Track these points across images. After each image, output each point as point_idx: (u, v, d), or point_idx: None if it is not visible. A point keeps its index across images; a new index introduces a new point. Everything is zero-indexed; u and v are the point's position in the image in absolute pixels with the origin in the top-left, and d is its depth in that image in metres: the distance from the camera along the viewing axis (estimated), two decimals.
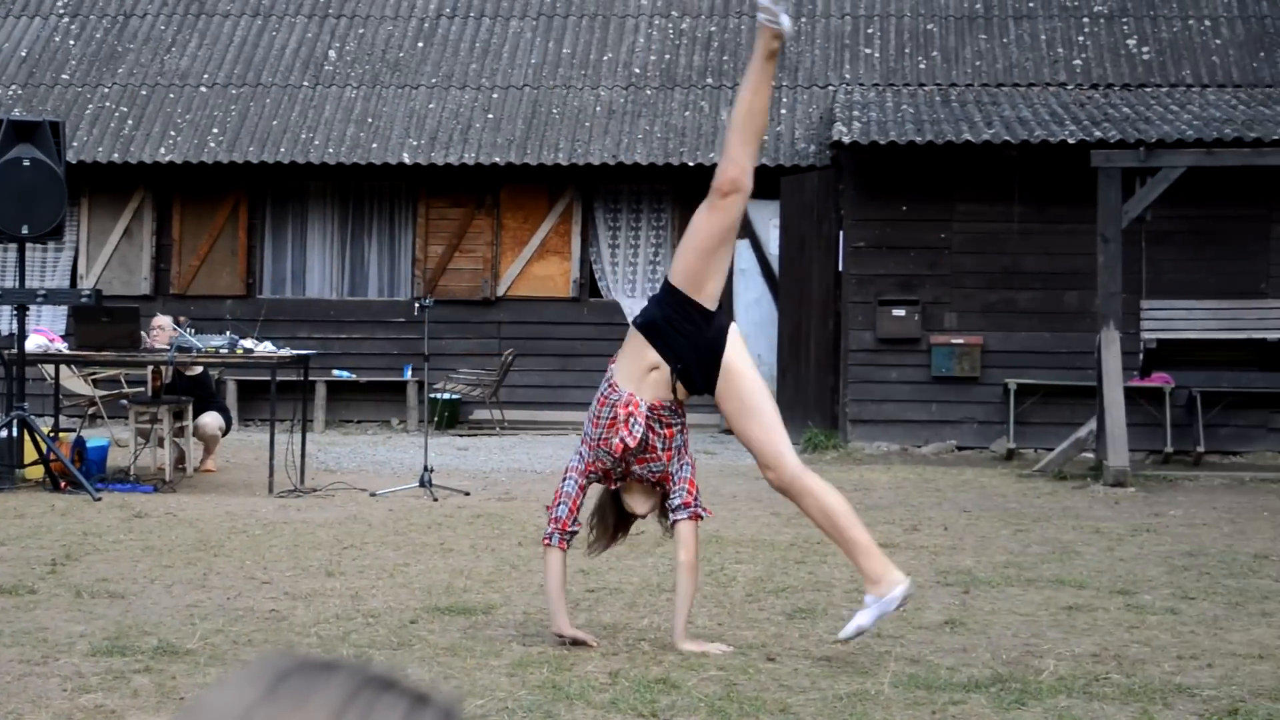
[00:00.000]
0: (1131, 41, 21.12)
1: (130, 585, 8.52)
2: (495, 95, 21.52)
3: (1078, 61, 20.93)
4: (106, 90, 21.79)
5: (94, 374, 18.10)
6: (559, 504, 7.10)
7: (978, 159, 18.08)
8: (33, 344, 14.05)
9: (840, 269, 18.63)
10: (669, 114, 21.07)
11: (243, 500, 12.77)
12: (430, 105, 21.39)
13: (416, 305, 14.14)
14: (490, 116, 21.18)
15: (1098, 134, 17.67)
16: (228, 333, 14.26)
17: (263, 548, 10.04)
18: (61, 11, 22.88)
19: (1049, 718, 5.80)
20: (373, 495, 13.12)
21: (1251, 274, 18.12)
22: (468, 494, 13.31)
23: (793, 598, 8.35)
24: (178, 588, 8.48)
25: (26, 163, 12.96)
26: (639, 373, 7.02)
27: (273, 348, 14.30)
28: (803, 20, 22.05)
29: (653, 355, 6.98)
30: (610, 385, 7.04)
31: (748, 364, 7.11)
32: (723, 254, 7.18)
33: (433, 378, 19.58)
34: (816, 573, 9.23)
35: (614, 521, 7.29)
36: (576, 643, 6.93)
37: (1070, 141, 17.58)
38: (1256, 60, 20.73)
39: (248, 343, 14.01)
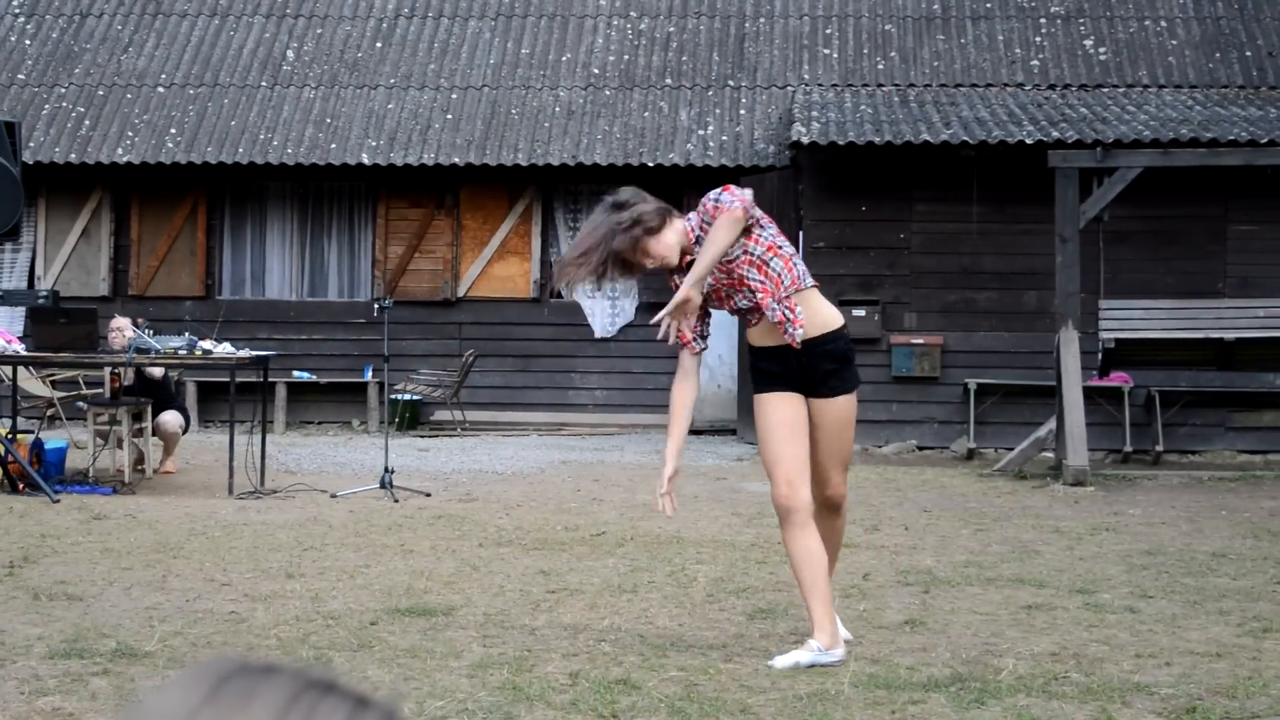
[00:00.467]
0: (1088, 42, 21.21)
1: (89, 587, 8.48)
2: (454, 95, 21.49)
3: (1035, 62, 21.01)
4: (63, 90, 21.68)
5: (52, 375, 18.00)
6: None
7: (936, 159, 18.14)
8: None
9: None
10: (628, 114, 21.07)
11: (202, 502, 12.73)
12: (389, 105, 21.35)
13: (376, 306, 14.13)
14: (449, 117, 21.15)
15: (1055, 134, 17.74)
16: (186, 334, 14.20)
17: (222, 549, 10.00)
18: (17, 11, 22.76)
19: (1008, 717, 5.82)
20: (333, 497, 13.09)
21: (1209, 274, 18.22)
22: (428, 495, 13.28)
23: (754, 598, 8.36)
24: (137, 590, 8.45)
25: None
26: None
27: (232, 349, 14.25)
28: (761, 21, 22.09)
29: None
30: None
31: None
32: None
33: (393, 379, 19.53)
34: (777, 573, 9.24)
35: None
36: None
37: (1028, 142, 17.65)
38: (1212, 61, 20.84)
39: (206, 344, 13.96)
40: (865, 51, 21.48)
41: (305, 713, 1.28)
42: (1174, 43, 21.11)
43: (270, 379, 16.72)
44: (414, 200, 21.22)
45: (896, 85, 20.85)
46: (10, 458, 12.97)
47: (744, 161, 20.13)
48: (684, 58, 21.82)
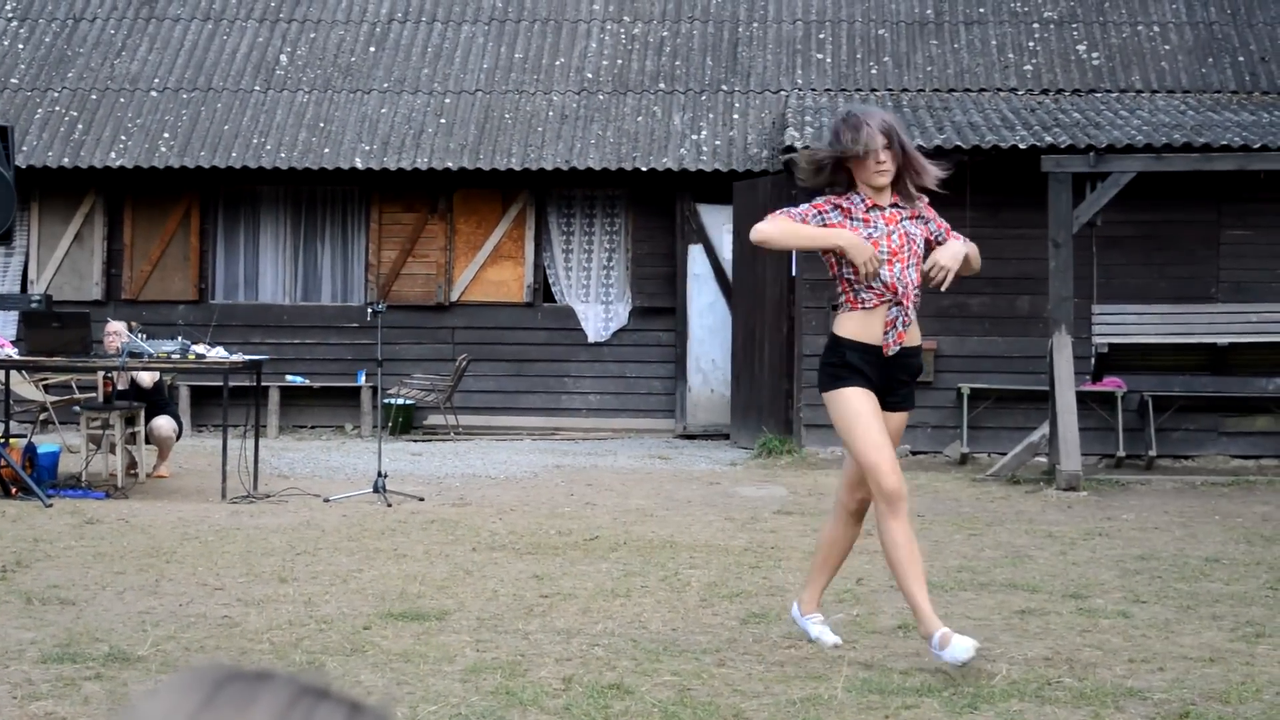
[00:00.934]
0: (1081, 47, 21.23)
1: (81, 592, 8.47)
2: (447, 100, 21.48)
3: (1028, 67, 21.03)
4: (56, 94, 21.67)
5: (45, 379, 17.98)
6: None
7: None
8: None
9: (794, 274, 18.67)
10: (621, 119, 21.07)
11: (195, 506, 12.72)
12: (382, 110, 21.34)
13: (369, 310, 14.12)
14: (443, 121, 21.15)
15: (1048, 139, 17.75)
16: (179, 338, 14.19)
17: (215, 554, 9.99)
18: (10, 15, 22.75)
19: None
20: (326, 501, 13.08)
21: (1202, 278, 18.23)
22: (422, 499, 13.28)
23: (747, 603, 8.35)
24: (129, 594, 8.44)
25: None
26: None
27: (225, 353, 14.25)
28: (755, 25, 22.10)
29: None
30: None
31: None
32: None
33: (386, 383, 19.54)
34: (770, 578, 9.25)
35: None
36: None
37: (1021, 146, 17.65)
38: (1205, 66, 20.86)
39: (200, 348, 13.96)
40: (858, 56, 21.50)
41: (302, 718, 1.27)
42: (1167, 48, 21.13)
43: (263, 383, 16.72)
44: (407, 204, 21.22)
45: (890, 90, 20.86)
46: (3, 462, 12.96)
47: (737, 166, 20.13)
48: (677, 62, 21.82)
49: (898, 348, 6.88)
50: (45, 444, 14.50)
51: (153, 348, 13.69)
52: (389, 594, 8.48)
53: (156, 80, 21.85)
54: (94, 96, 21.64)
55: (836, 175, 6.88)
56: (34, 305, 14.51)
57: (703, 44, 22.05)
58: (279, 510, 12.48)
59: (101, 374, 14.33)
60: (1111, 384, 17.60)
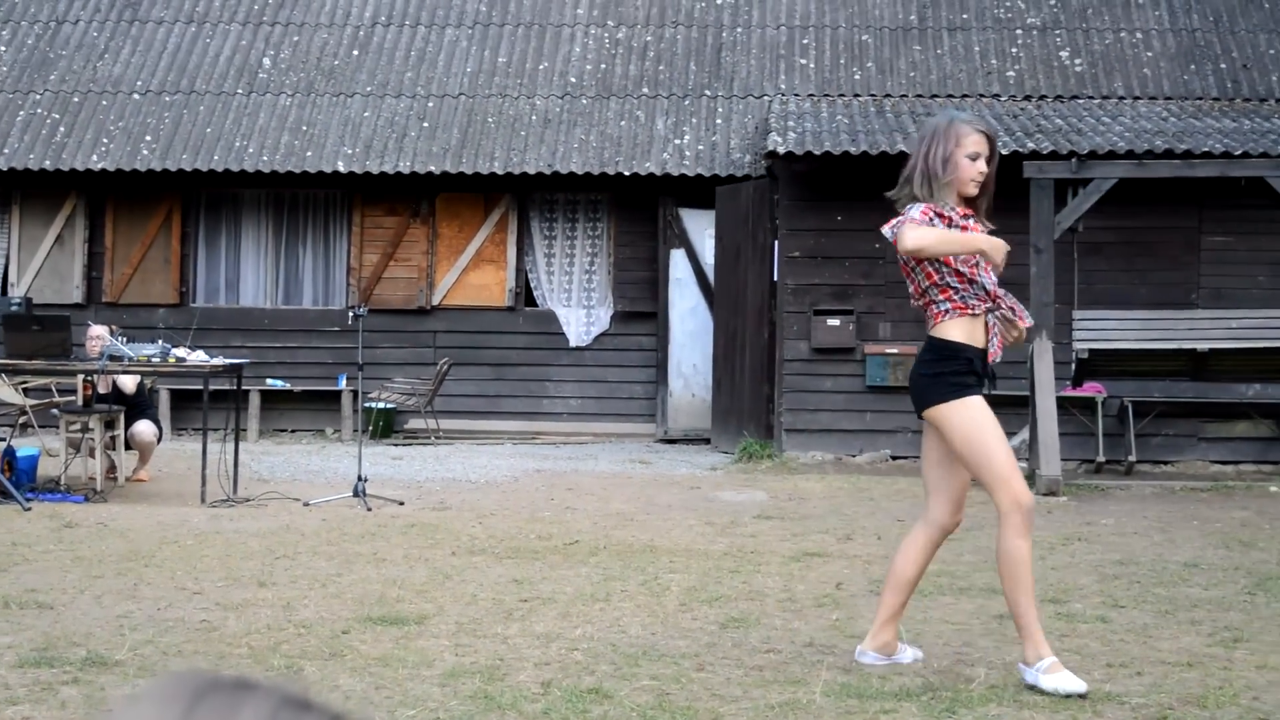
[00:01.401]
0: (1064, 54, 21.28)
1: (59, 596, 8.45)
2: (430, 104, 21.47)
3: (1011, 73, 21.06)
4: (38, 97, 21.62)
5: (24, 383, 17.92)
6: None
7: None
8: None
9: (775, 278, 18.68)
10: (605, 123, 21.08)
11: (174, 510, 12.69)
12: (365, 113, 21.32)
13: (351, 314, 14.10)
14: (425, 125, 21.14)
15: (1030, 145, 17.78)
16: (160, 341, 14.16)
17: (194, 558, 9.97)
18: None
19: None
20: (306, 505, 13.06)
21: (1183, 285, 18.28)
22: (402, 504, 13.27)
23: (726, 607, 8.35)
24: (108, 598, 8.42)
25: None
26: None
27: (206, 357, 14.21)
28: (738, 30, 22.12)
29: None
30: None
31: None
32: None
33: (367, 387, 19.54)
34: (750, 582, 9.25)
35: None
36: None
37: (1003, 152, 17.64)
38: (1187, 73, 20.92)
39: (180, 351, 13.93)
40: (842, 62, 21.52)
41: None
42: (1149, 54, 21.18)
43: (244, 387, 16.70)
44: (389, 208, 21.21)
45: (873, 95, 20.89)
46: None
47: (720, 171, 20.14)
48: (661, 67, 21.84)
49: (999, 356, 6.76)
50: (24, 447, 14.45)
51: (133, 351, 13.66)
52: (368, 598, 8.47)
53: (139, 83, 21.81)
54: (76, 99, 21.60)
55: (923, 185, 6.66)
56: (14, 308, 14.50)
57: (686, 48, 22.06)
58: (258, 514, 12.46)
59: (81, 377, 14.29)
60: (1092, 389, 17.64)
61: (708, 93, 21.45)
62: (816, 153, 17.86)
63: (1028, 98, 20.66)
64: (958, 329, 6.59)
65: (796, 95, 21.04)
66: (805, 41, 21.86)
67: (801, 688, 6.42)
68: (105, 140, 20.94)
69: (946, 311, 6.59)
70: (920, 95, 20.80)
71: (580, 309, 21.18)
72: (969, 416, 6.51)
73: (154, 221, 21.23)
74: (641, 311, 21.02)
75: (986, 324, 6.68)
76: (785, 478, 16.32)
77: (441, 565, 9.77)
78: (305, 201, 21.54)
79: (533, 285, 21.30)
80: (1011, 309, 6.72)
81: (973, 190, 6.63)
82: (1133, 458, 17.43)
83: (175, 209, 21.28)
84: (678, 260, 20.69)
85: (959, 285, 6.59)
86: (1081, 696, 6.18)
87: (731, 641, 7.42)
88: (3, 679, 6.42)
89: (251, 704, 1.28)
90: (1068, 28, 21.57)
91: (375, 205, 21.21)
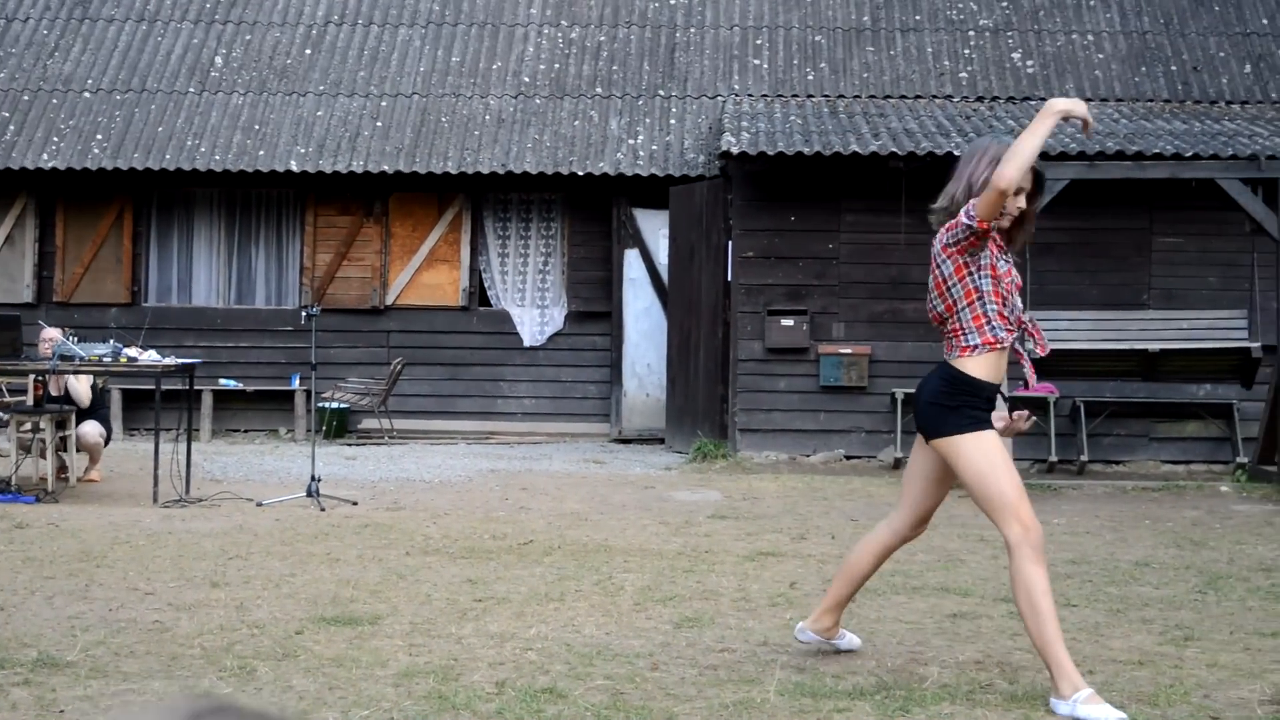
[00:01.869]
0: (1016, 55, 21.37)
1: (10, 597, 8.40)
2: (384, 103, 21.43)
3: (963, 74, 21.15)
4: None
5: None
6: None
7: (865, 170, 18.22)
8: None
9: (729, 279, 18.71)
10: (558, 123, 21.07)
11: (126, 511, 12.63)
12: (318, 113, 21.26)
13: (304, 314, 14.02)
14: (379, 124, 21.09)
15: None
16: (112, 341, 14.09)
17: (146, 558, 9.93)
18: None
19: None
20: (259, 505, 13.02)
21: (1134, 285, 18.38)
22: (355, 504, 13.24)
23: (680, 606, 8.36)
24: (59, 599, 8.37)
25: None
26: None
27: (158, 356, 14.15)
28: (692, 31, 22.15)
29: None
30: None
31: None
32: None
33: (321, 387, 19.47)
34: (704, 582, 9.26)
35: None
36: None
37: (956, 153, 17.66)
38: (1138, 75, 21.04)
39: (132, 351, 13.86)
40: (795, 62, 21.57)
41: None
42: (1100, 56, 21.29)
43: (196, 387, 16.64)
44: (343, 207, 21.15)
45: (826, 96, 20.95)
46: None
47: (674, 171, 20.15)
48: (614, 67, 21.84)
49: (1034, 380, 6.78)
50: None
51: (84, 351, 13.59)
52: (321, 598, 8.45)
53: (90, 81, 21.70)
54: (26, 97, 21.47)
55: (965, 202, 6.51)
56: None
57: (640, 48, 22.07)
58: (211, 514, 12.42)
59: (32, 377, 14.20)
60: (1044, 389, 17.71)
61: (661, 93, 21.46)
62: (770, 153, 17.88)
63: (980, 99, 20.74)
64: (982, 366, 6.52)
65: (750, 95, 21.08)
66: (759, 42, 21.90)
67: (756, 687, 6.43)
68: (56, 139, 20.83)
69: (975, 348, 6.50)
70: (873, 96, 20.87)
71: (534, 309, 21.17)
72: (982, 451, 6.45)
73: (105, 221, 21.12)
74: (595, 311, 21.02)
75: (1016, 351, 6.64)
76: (739, 477, 16.35)
77: (395, 565, 9.75)
78: (258, 201, 21.46)
79: (486, 285, 21.27)
80: (1034, 335, 6.70)
81: (1005, 223, 6.56)
82: (1085, 457, 17.52)
83: (127, 208, 21.18)
84: (632, 260, 20.70)
85: (995, 310, 6.49)
86: None
87: (686, 641, 7.42)
88: None
89: None
90: (1020, 29, 21.67)
91: (328, 205, 21.15)
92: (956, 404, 6.47)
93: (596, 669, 6.74)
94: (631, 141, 20.69)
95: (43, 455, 14.25)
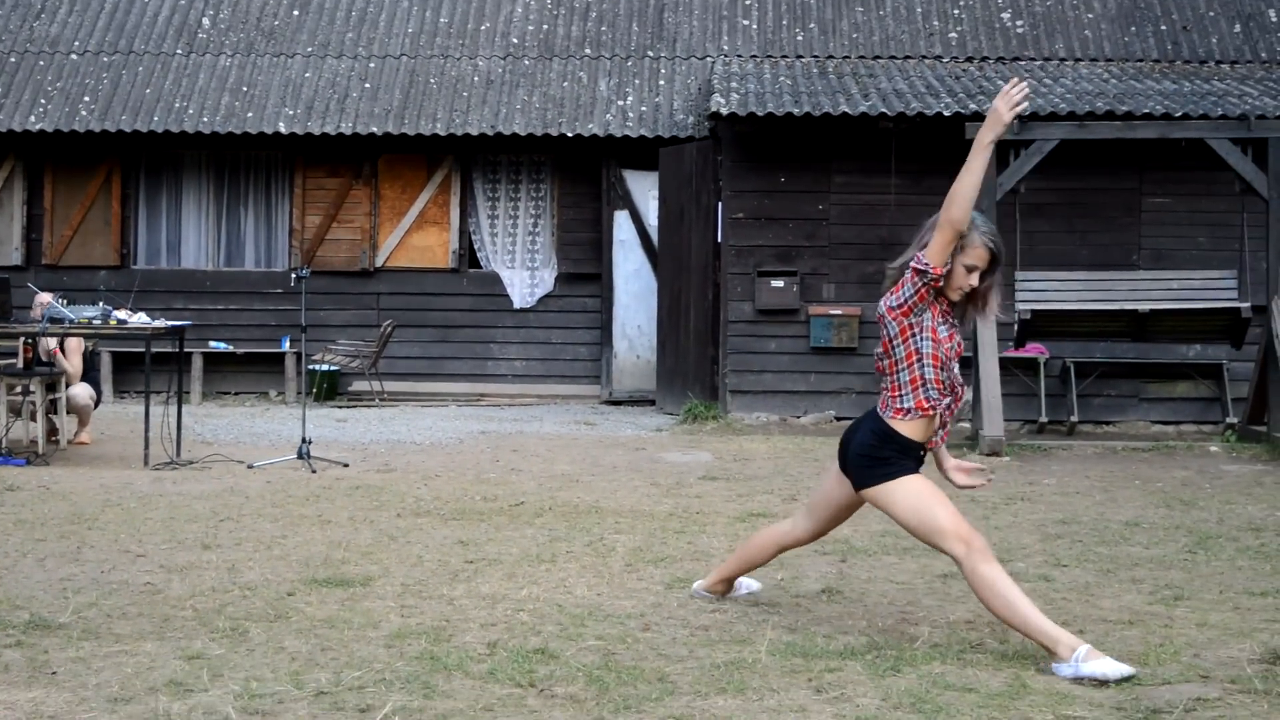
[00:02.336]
0: (1006, 15, 21.33)
1: (1, 559, 8.41)
2: (372, 64, 21.36)
3: (953, 35, 21.10)
4: None
5: None
6: None
7: (855, 131, 18.20)
8: None
9: (719, 240, 18.70)
10: (547, 84, 21.02)
11: (117, 473, 12.63)
12: (306, 74, 21.20)
13: (294, 276, 14.02)
14: (367, 86, 21.03)
15: (973, 106, 17.81)
16: (101, 304, 14.06)
17: (138, 521, 9.93)
18: None
19: (924, 684, 5.86)
20: (250, 467, 13.02)
21: (1123, 246, 18.38)
22: (346, 466, 13.24)
23: (671, 567, 8.37)
24: (50, 561, 8.38)
25: None
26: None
27: (147, 319, 14.13)
28: None
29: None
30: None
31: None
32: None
33: (311, 349, 19.46)
34: (695, 542, 9.27)
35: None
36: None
37: (945, 114, 17.72)
38: (1127, 34, 21.00)
39: (122, 314, 13.84)
40: (784, 23, 21.51)
41: None
42: (1090, 16, 21.25)
43: (186, 349, 16.62)
44: (332, 170, 21.10)
45: (816, 57, 20.90)
46: None
47: (663, 132, 20.12)
48: (603, 28, 21.78)
49: (944, 444, 6.91)
50: None
51: (74, 313, 13.57)
52: (313, 560, 8.45)
53: (76, 43, 21.62)
54: (13, 59, 21.39)
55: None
56: None
57: (629, 9, 22.00)
58: (202, 477, 12.42)
59: (22, 340, 14.18)
60: (1034, 350, 17.74)
61: (650, 54, 21.41)
62: (760, 114, 17.86)
63: (969, 59, 20.71)
64: (913, 428, 6.68)
65: (739, 56, 21.04)
66: (748, 2, 21.83)
67: (747, 647, 6.45)
68: (43, 101, 20.75)
69: (908, 411, 6.65)
70: (863, 56, 20.82)
71: (524, 271, 21.15)
72: (912, 493, 6.62)
73: (94, 183, 21.06)
74: (585, 273, 21.00)
75: (943, 415, 6.75)
76: (730, 439, 16.36)
77: (387, 527, 9.76)
78: (246, 163, 21.41)
79: (476, 247, 21.24)
80: (953, 408, 6.81)
81: (956, 296, 6.68)
82: (1075, 418, 17.55)
83: (115, 170, 21.12)
84: (621, 222, 20.67)
85: (932, 374, 6.63)
86: (1128, 679, 5.97)
87: (677, 602, 7.44)
88: None
89: None
90: None
91: (317, 167, 21.10)
92: (885, 455, 6.67)
93: (588, 630, 6.76)
94: (621, 103, 20.65)
95: (33, 418, 14.23)
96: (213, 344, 20.70)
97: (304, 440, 13.26)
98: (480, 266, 21.24)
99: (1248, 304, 16.02)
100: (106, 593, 7.50)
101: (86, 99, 20.78)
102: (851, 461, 6.75)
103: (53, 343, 14.49)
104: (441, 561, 8.46)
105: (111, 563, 8.35)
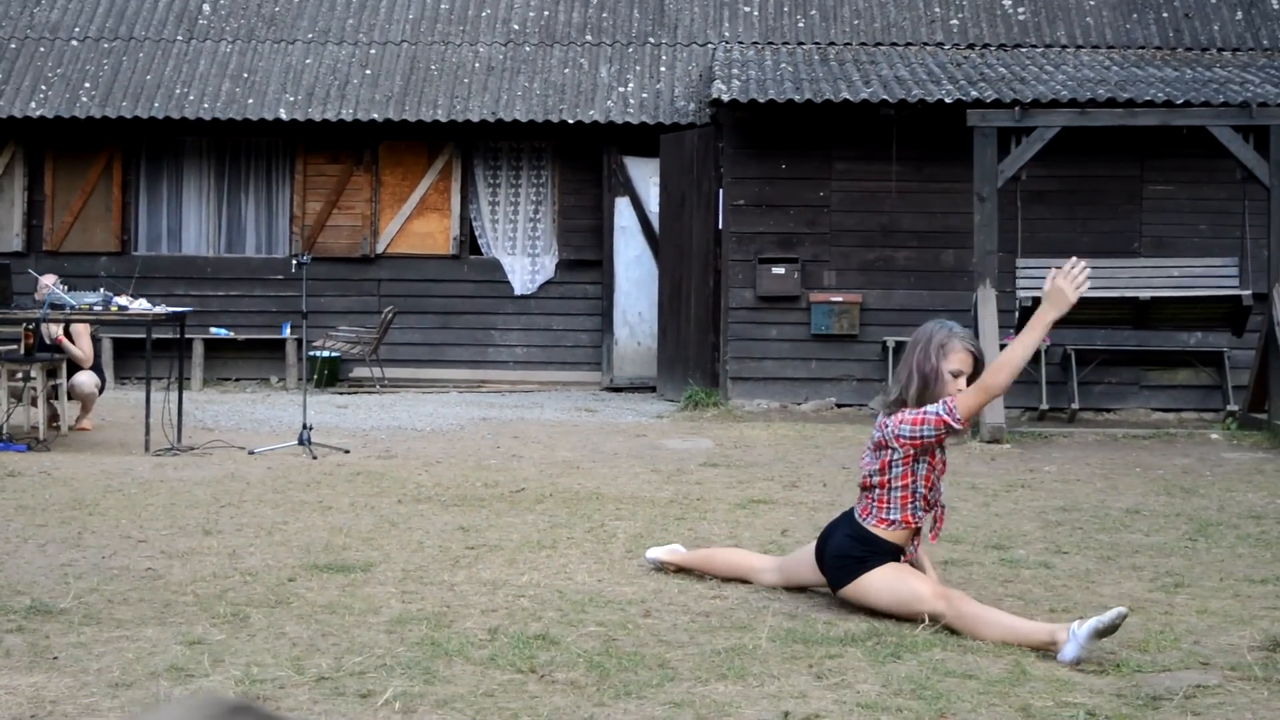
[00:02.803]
0: (1007, 2, 21.30)
1: (2, 545, 8.41)
2: (373, 51, 21.35)
3: (955, 21, 21.08)
4: None
5: None
6: None
7: (856, 118, 18.18)
8: None
9: (720, 227, 18.69)
10: (548, 70, 21.01)
11: (119, 459, 12.63)
12: (307, 60, 21.18)
13: (295, 262, 14.01)
14: (368, 72, 21.02)
15: (974, 93, 17.81)
16: (102, 290, 14.06)
17: (139, 506, 9.93)
18: None
19: (924, 670, 5.86)
20: (251, 453, 13.03)
21: (1124, 233, 18.37)
22: (347, 452, 13.24)
23: None
24: (52, 547, 8.38)
25: None
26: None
27: (148, 305, 14.12)
28: None
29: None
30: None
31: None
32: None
33: (312, 335, 19.45)
34: (696, 529, 9.27)
35: None
36: None
37: (947, 101, 17.71)
38: (1129, 22, 20.98)
39: (123, 300, 13.83)
40: (786, 9, 21.49)
41: None
42: (1091, 3, 21.23)
43: (187, 336, 16.61)
44: (332, 156, 21.10)
45: (817, 43, 20.88)
46: None
47: (664, 119, 20.11)
48: (604, 14, 21.76)
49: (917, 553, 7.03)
50: None
51: (74, 299, 13.57)
52: (314, 546, 8.46)
53: (77, 29, 21.60)
54: (13, 45, 21.38)
55: (919, 390, 6.90)
56: None
57: None
58: (203, 463, 12.42)
59: (23, 326, 14.18)
60: None
61: (651, 40, 21.39)
62: (761, 101, 17.85)
63: (971, 46, 20.69)
64: (895, 536, 6.84)
65: (740, 43, 21.02)
66: None
67: (748, 633, 6.45)
68: (44, 88, 20.75)
69: (893, 523, 6.80)
70: (864, 43, 20.81)
71: (525, 257, 21.14)
72: (885, 581, 6.76)
73: (94, 169, 21.06)
74: (586, 260, 21.00)
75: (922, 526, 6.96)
76: (731, 425, 16.36)
77: (388, 513, 9.76)
78: (247, 149, 21.40)
79: (477, 233, 21.24)
80: (938, 522, 7.00)
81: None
82: (1075, 405, 17.56)
83: (116, 157, 21.11)
84: (622, 208, 20.67)
85: (921, 493, 6.81)
86: (1127, 613, 6.17)
87: (678, 588, 7.44)
88: None
89: None
90: None
91: (318, 153, 21.10)
92: (862, 555, 6.82)
93: (589, 616, 6.76)
94: (622, 89, 20.64)
95: (34, 404, 14.23)
96: (213, 330, 20.70)
97: (305, 426, 13.27)
98: (481, 253, 21.23)
99: (1249, 291, 16.02)
100: (107, 578, 7.50)
101: (87, 85, 20.77)
102: (829, 563, 6.95)
103: (58, 330, 14.49)
104: (442, 547, 8.46)
105: (112, 548, 8.36)
